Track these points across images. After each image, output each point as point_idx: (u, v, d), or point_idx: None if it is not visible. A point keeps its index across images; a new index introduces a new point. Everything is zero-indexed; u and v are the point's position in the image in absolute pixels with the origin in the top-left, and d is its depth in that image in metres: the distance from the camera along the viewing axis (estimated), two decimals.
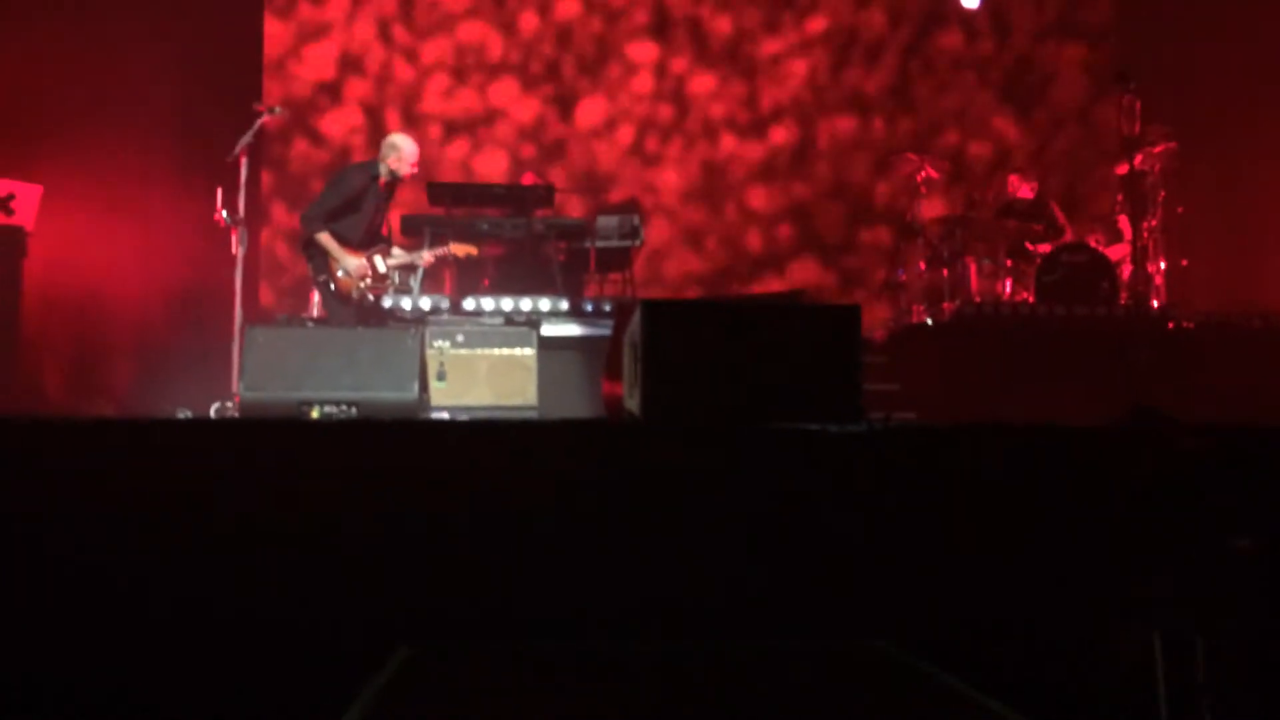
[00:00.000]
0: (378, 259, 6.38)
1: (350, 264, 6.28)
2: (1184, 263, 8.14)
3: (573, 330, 7.44)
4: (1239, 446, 3.27)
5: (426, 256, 6.78)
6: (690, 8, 10.02)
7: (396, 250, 6.60)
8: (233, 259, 6.25)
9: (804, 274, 9.88)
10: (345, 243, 6.30)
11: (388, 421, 3.88)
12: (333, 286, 6.30)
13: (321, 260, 6.32)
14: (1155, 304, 7.80)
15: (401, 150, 6.42)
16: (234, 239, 6.22)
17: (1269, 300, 8.57)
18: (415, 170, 6.56)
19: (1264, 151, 9.29)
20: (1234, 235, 9.36)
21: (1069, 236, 8.12)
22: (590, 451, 3.07)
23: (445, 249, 6.71)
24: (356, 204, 6.37)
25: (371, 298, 6.38)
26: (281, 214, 9.42)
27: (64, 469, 2.92)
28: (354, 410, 5.35)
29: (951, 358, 7.34)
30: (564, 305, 7.53)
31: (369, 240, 6.44)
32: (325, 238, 6.27)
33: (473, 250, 6.76)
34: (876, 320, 8.71)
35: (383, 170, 6.42)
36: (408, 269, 6.93)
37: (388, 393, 5.46)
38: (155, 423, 3.37)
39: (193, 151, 8.40)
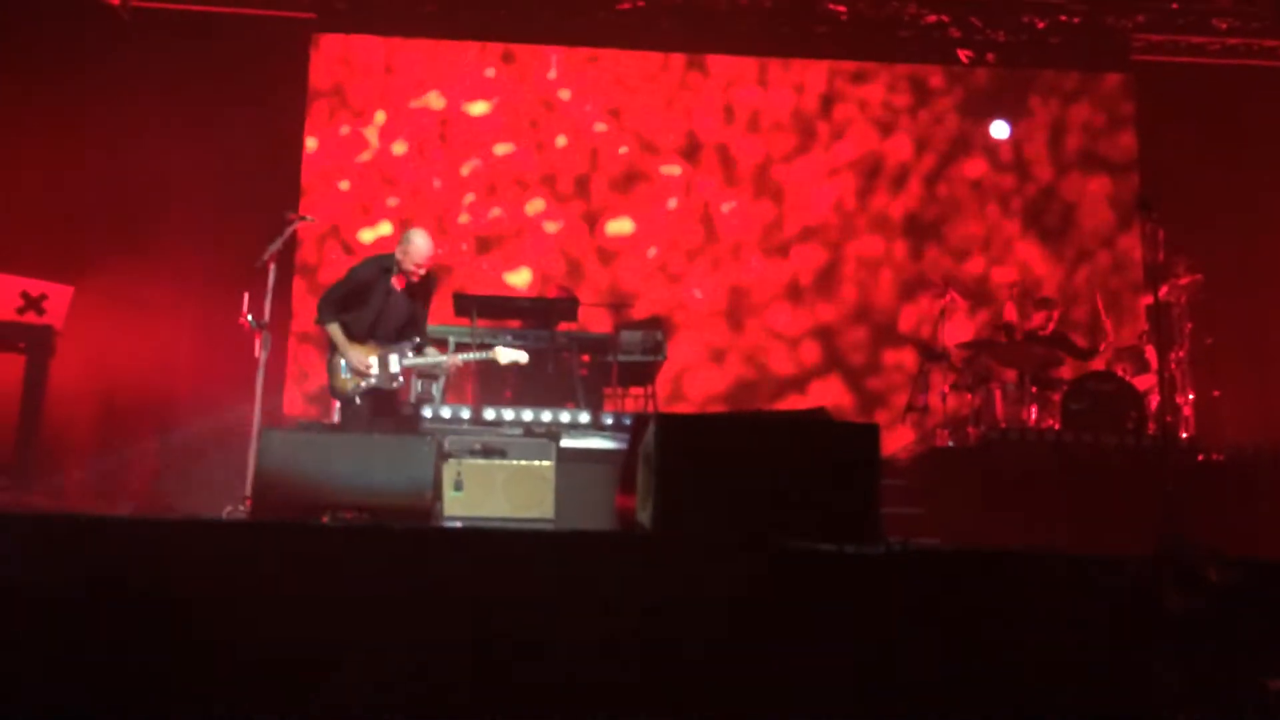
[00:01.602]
0: (393, 356, 6.30)
1: (352, 357, 6.22)
2: (1215, 393, 8.05)
3: (593, 443, 7.38)
4: (1270, 580, 3.16)
5: (456, 359, 6.66)
6: (720, 133, 10.22)
7: (430, 350, 6.50)
8: (255, 363, 6.28)
9: (827, 395, 9.82)
10: (352, 336, 6.26)
11: (397, 528, 3.82)
12: (333, 383, 6.25)
13: (333, 356, 6.30)
14: (1184, 435, 7.68)
15: (410, 244, 6.28)
16: (257, 343, 6.25)
17: None
18: (420, 269, 6.32)
19: None
20: (1261, 367, 9.26)
21: (1097, 364, 8.06)
22: (596, 564, 3.00)
23: (486, 353, 6.49)
24: (364, 296, 6.29)
25: (360, 399, 6.20)
26: (310, 321, 9.52)
27: (66, 565, 2.88)
28: (365, 516, 5.29)
29: (978, 483, 7.22)
30: (584, 418, 7.49)
31: (384, 336, 6.33)
32: (334, 329, 6.25)
33: (519, 358, 6.53)
34: (900, 443, 8.62)
35: (395, 264, 6.31)
36: (430, 376, 6.89)
37: (400, 500, 5.40)
38: (146, 522, 3.33)
39: (225, 258, 8.56)
